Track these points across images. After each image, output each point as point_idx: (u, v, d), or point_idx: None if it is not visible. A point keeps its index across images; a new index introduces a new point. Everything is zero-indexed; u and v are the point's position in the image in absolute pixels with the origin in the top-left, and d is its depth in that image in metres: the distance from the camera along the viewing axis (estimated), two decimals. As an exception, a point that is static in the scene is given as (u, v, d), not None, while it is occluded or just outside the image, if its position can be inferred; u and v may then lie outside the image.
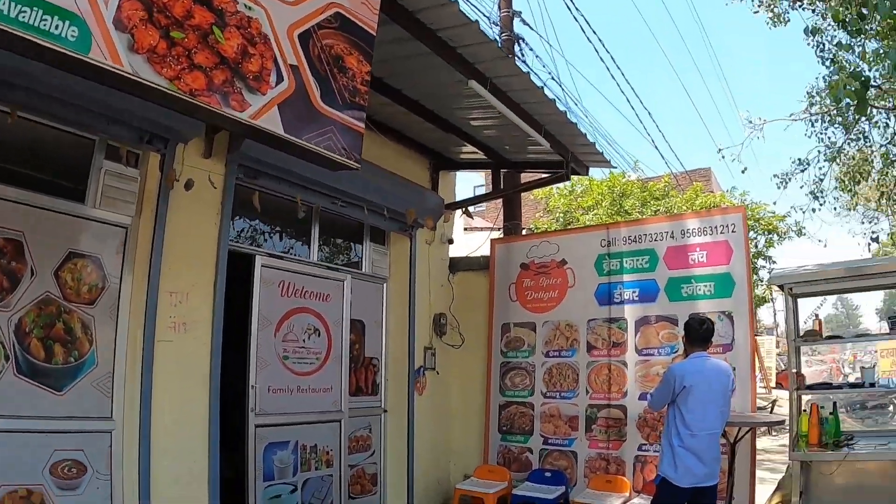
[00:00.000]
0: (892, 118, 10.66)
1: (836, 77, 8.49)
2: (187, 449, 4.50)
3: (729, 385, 4.44)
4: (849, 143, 11.30)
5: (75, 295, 4.05)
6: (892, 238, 15.18)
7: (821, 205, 12.11)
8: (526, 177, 8.47)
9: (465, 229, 13.45)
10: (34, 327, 3.83)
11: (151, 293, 4.32)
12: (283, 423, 5.41)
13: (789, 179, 11.67)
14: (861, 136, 11.14)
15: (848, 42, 6.65)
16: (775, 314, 33.25)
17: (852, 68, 6.58)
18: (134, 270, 4.32)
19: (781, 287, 5.28)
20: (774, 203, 16.03)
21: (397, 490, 6.53)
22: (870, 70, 7.61)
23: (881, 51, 7.45)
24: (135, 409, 4.20)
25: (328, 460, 5.79)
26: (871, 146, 11.18)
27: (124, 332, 4.24)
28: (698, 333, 4.45)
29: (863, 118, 10.70)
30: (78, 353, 4.04)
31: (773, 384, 20.00)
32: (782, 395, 16.90)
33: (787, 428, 5.47)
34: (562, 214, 15.74)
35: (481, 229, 13.51)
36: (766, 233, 15.27)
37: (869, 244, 13.65)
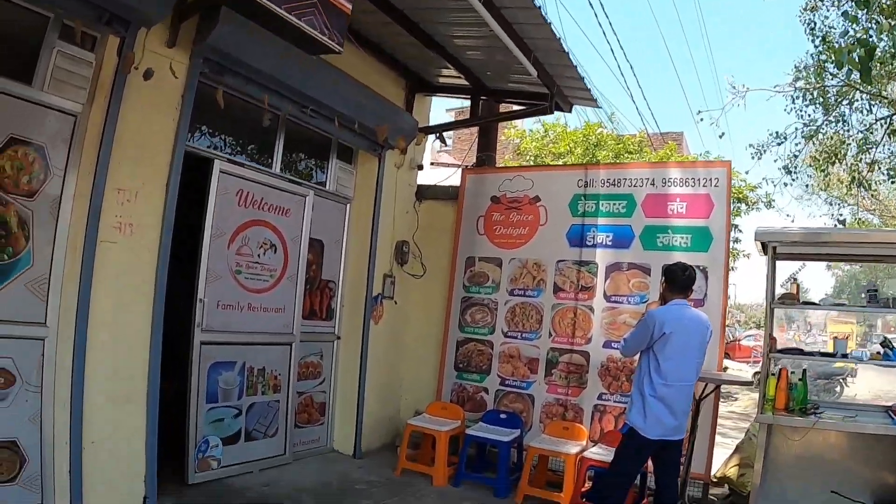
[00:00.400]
0: (875, 105, 10.59)
1: (840, 42, 8.27)
2: (125, 364, 4.13)
3: (707, 337, 4.27)
4: (828, 124, 11.24)
5: (13, 186, 3.63)
6: (857, 223, 15.35)
7: (793, 180, 12.22)
8: (505, 108, 8.09)
9: (432, 164, 13.07)
10: (-38, 221, 3.42)
11: (97, 189, 3.87)
12: (231, 341, 5.07)
13: (764, 151, 11.53)
14: (840, 118, 11.08)
15: (854, 14, 6.35)
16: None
17: (858, 36, 6.30)
18: (80, 163, 3.86)
19: (764, 246, 5.08)
20: (747, 173, 15.88)
21: (345, 421, 6.31)
22: (878, 40, 7.34)
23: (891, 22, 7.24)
24: (71, 316, 3.82)
25: (276, 385, 5.50)
26: (848, 130, 11.13)
27: (65, 230, 3.82)
28: (680, 279, 4.24)
29: (844, 101, 10.67)
30: (12, 251, 3.64)
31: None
32: (731, 366, 17.43)
33: (749, 392, 5.38)
34: (533, 158, 15.38)
35: (448, 165, 13.12)
36: (735, 200, 15.25)
37: (835, 226, 13.76)
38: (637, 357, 4.36)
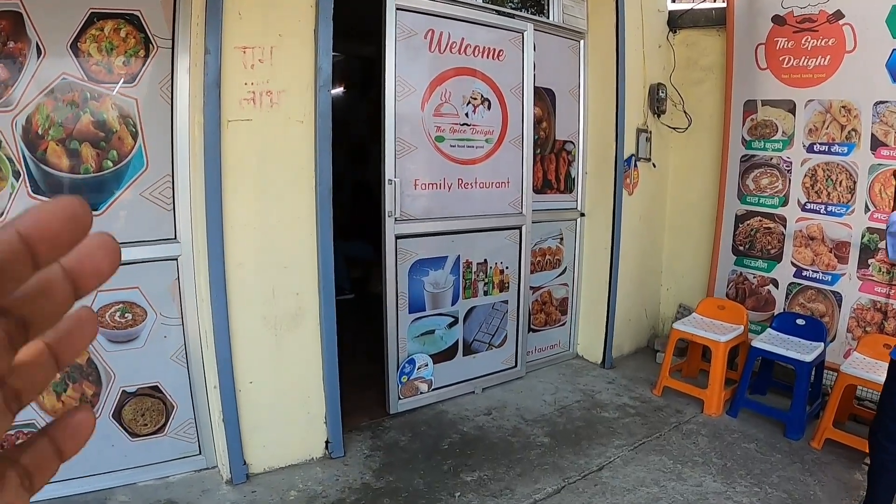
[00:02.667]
0: None
1: None
2: (285, 279, 3.04)
3: None
4: None
5: (106, 73, 2.68)
6: None
7: None
8: None
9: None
10: (49, 126, 2.59)
11: (212, 52, 2.66)
12: (438, 231, 3.78)
13: None
14: None
15: None
16: None
17: None
18: (191, 23, 2.68)
19: None
20: None
21: (592, 320, 4.91)
22: None
23: None
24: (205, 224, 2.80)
25: (503, 282, 4.21)
26: None
27: (185, 116, 2.77)
28: None
29: None
30: (116, 154, 2.73)
31: None
32: None
33: None
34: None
35: None
36: None
37: None
38: None
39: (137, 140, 2.75)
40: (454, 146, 3.77)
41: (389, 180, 3.43)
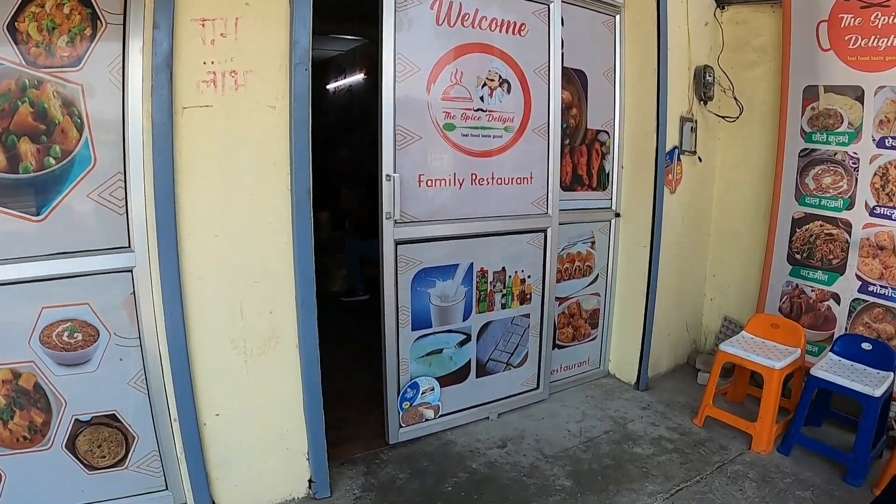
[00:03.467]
0: None
1: None
2: (257, 294, 2.56)
3: None
4: None
5: (46, 55, 2.23)
6: None
7: None
8: None
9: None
10: (-18, 121, 2.15)
11: (163, 24, 2.20)
12: (447, 235, 3.25)
13: None
14: None
15: None
16: None
17: None
18: None
19: None
20: None
21: (626, 333, 4.33)
22: None
23: None
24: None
25: (524, 292, 3.67)
26: None
27: (138, 103, 2.28)
28: None
29: None
30: (60, 150, 2.28)
31: None
32: None
33: None
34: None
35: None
36: None
37: None
38: None
39: (83, 133, 2.28)
40: (467, 135, 3.23)
41: (387, 176, 2.91)
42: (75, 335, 2.41)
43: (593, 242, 4.16)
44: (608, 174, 4.18)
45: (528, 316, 3.70)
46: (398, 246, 3.04)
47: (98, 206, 2.33)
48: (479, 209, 3.34)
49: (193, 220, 2.33)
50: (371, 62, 7.01)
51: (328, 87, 8.99)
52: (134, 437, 2.57)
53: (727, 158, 4.72)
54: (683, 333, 4.73)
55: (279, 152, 2.46)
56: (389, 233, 2.98)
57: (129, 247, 2.40)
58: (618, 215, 4.25)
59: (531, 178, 3.54)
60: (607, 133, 4.14)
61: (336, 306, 6.13)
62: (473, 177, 3.28)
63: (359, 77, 7.95)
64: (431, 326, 3.27)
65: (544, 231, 3.65)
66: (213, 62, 2.31)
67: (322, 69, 8.91)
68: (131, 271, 2.42)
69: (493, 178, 3.36)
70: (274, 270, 2.52)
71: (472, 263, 3.37)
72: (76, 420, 2.47)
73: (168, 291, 2.30)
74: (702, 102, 4.52)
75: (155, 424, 2.59)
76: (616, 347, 4.41)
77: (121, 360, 2.48)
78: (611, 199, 4.22)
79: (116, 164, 2.34)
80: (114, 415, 2.52)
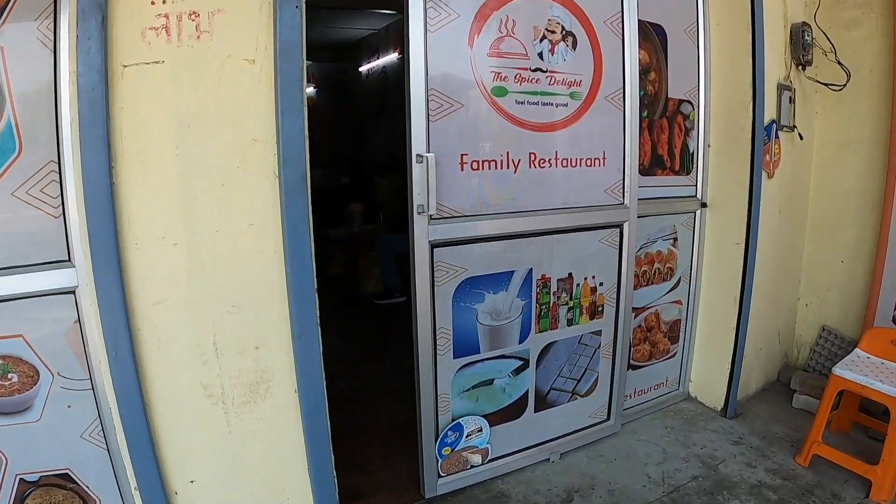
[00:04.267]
0: None
1: None
2: (235, 323, 1.88)
3: None
4: None
5: None
6: None
7: None
8: None
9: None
10: None
11: None
12: (499, 234, 2.52)
13: None
14: None
15: None
16: None
17: None
18: None
19: None
20: None
21: (711, 350, 3.54)
22: None
23: None
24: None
25: (594, 305, 2.92)
26: None
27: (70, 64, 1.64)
28: None
29: None
30: None
31: None
32: None
33: None
34: None
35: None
36: None
37: None
38: None
39: (4, 111, 1.63)
40: (522, 103, 2.49)
41: (418, 157, 2.18)
42: (9, 376, 1.78)
43: (675, 239, 3.38)
44: (692, 154, 3.39)
45: (598, 333, 2.95)
46: (434, 249, 2.32)
47: (26, 206, 1.69)
48: (539, 199, 2.60)
49: (141, 223, 1.66)
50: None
51: (360, 69, 8.35)
52: (95, 501, 1.96)
53: (828, 135, 3.89)
54: (775, 346, 3.93)
55: (261, 124, 1.76)
56: (422, 232, 2.26)
57: (69, 260, 1.75)
58: (704, 205, 3.47)
59: (604, 158, 2.78)
60: (691, 104, 3.35)
61: (369, 310, 5.44)
62: (532, 158, 2.54)
63: (393, 57, 7.27)
64: (479, 352, 2.55)
65: (620, 226, 2.89)
66: (164, 1, 1.61)
67: (353, 51, 8.30)
68: (73, 292, 1.77)
69: (556, 160, 2.61)
70: (258, 291, 1.84)
71: (530, 270, 2.63)
72: (21, 480, 1.87)
73: (109, 322, 1.63)
74: (799, 68, 3.70)
75: (119, 486, 1.97)
76: (698, 365, 3.64)
77: (69, 406, 1.87)
78: (695, 185, 3.44)
79: (49, 150, 1.69)
80: (67, 474, 1.92)
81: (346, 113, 8.50)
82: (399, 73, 7.12)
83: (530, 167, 2.52)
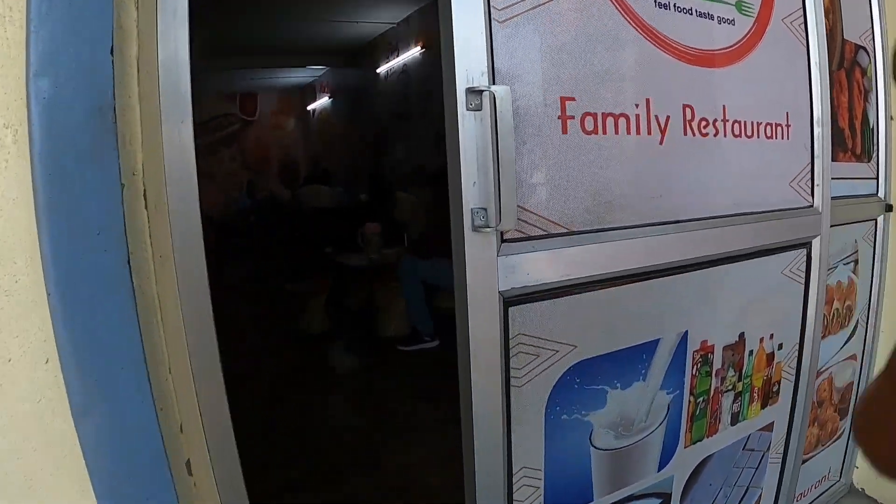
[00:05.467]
0: None
1: None
2: None
3: None
4: None
5: None
6: None
7: None
8: None
9: None
10: None
11: None
12: (630, 270, 1.24)
13: None
14: None
15: None
16: None
17: None
18: None
19: None
20: None
21: None
22: None
23: None
24: None
25: (770, 383, 1.64)
26: None
27: None
28: None
29: None
30: None
31: None
32: None
33: None
34: None
35: None
36: None
37: None
38: None
39: None
40: (666, 6, 1.26)
41: (473, 93, 0.94)
42: None
43: (856, 262, 2.14)
44: (872, 129, 2.17)
45: (769, 428, 1.70)
46: (509, 309, 1.07)
47: None
48: (700, 197, 1.36)
49: None
50: (432, 31, 5.13)
51: (378, 70, 7.26)
52: None
53: None
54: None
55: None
56: (485, 269, 1.00)
57: None
58: (889, 208, 2.23)
59: (787, 125, 1.56)
60: (867, 53, 2.14)
61: (391, 360, 4.04)
62: (688, 115, 1.30)
63: (414, 52, 6.17)
64: (591, 500, 1.30)
65: (807, 244, 1.66)
66: None
67: (369, 52, 7.19)
68: None
69: (724, 121, 1.38)
70: None
71: (685, 334, 1.38)
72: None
73: None
74: None
75: None
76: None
77: None
78: (876, 177, 2.21)
79: None
80: None
81: (363, 120, 7.40)
82: (425, 69, 6.05)
83: (685, 133, 1.29)
